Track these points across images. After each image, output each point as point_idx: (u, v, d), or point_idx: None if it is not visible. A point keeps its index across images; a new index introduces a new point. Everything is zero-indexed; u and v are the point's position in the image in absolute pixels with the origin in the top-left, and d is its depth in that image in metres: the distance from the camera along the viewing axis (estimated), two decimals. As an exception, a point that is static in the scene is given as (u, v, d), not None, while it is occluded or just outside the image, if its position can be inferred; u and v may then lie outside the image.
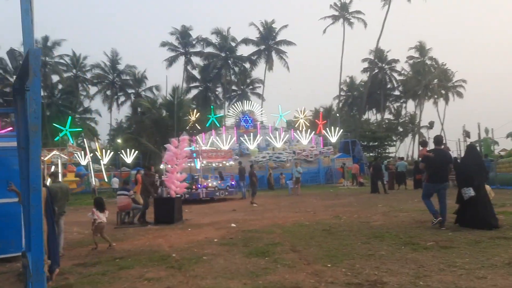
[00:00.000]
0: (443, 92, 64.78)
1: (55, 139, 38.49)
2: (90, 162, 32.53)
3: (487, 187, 9.08)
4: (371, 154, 49.60)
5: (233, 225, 11.27)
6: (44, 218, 5.22)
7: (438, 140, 9.49)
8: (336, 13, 58.68)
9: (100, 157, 33.49)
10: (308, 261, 6.63)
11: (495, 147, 23.69)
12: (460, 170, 9.10)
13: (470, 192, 8.52)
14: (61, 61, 56.35)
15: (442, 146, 9.95)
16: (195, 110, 41.69)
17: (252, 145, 34.35)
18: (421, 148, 11.58)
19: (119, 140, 41.78)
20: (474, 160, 9.04)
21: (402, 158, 28.45)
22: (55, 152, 32.38)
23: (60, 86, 54.80)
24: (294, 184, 22.94)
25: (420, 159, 10.96)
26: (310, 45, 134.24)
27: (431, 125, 27.27)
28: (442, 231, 8.54)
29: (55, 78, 54.93)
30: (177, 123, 33.04)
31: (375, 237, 8.36)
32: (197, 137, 34.63)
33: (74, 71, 59.49)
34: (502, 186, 20.58)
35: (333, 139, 34.91)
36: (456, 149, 27.41)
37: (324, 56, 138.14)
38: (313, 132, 38.84)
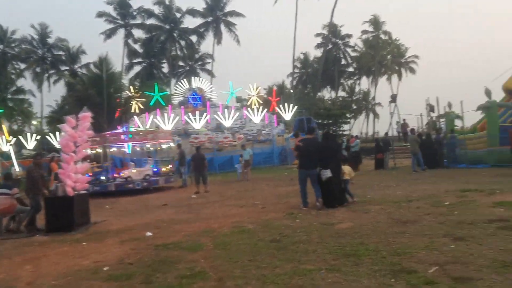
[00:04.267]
0: (396, 68, 63.77)
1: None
2: (12, 148, 28.20)
3: (347, 167, 10.21)
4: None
5: (148, 234, 8.19)
6: None
7: (310, 129, 10.87)
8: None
9: (7, 141, 28.81)
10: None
11: (462, 122, 21.77)
12: (322, 155, 9.66)
13: (327, 173, 9.38)
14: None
15: (314, 135, 10.81)
16: (136, 88, 37.74)
17: (198, 124, 31.08)
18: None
19: (34, 122, 37.21)
20: (333, 145, 10.44)
21: (356, 137, 26.31)
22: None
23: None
24: (243, 168, 20.07)
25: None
26: (261, 18, 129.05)
27: (393, 98, 25.23)
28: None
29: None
30: (108, 101, 28.97)
31: (346, 255, 5.60)
32: (136, 117, 30.87)
33: (1, 46, 53.29)
34: (472, 166, 18.70)
35: (287, 116, 32.33)
36: (417, 125, 25.54)
37: (277, 30, 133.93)
38: (266, 109, 36.03)
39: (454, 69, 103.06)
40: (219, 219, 9.48)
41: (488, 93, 20.15)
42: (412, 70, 64.50)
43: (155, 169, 18.87)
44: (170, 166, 19.64)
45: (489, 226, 6.57)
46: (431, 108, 23.35)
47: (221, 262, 5.79)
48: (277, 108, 35.32)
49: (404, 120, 30.41)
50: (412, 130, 22.47)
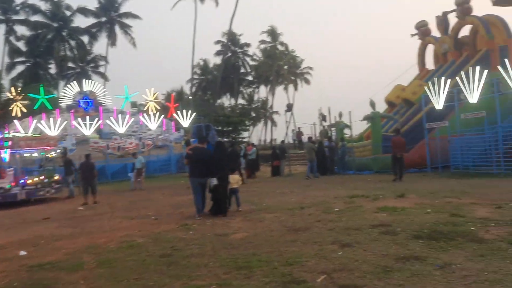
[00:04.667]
0: (292, 78, 66.55)
1: None
2: None
3: (235, 177, 10.54)
4: (225, 139, 47.97)
5: (22, 253, 7.28)
6: None
7: (201, 138, 10.93)
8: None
9: None
10: None
11: (350, 131, 23.26)
12: (211, 164, 9.86)
13: (213, 182, 9.66)
14: None
15: (205, 144, 10.85)
16: (18, 89, 34.22)
17: (89, 130, 29.12)
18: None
19: None
20: (220, 154, 10.33)
21: (253, 145, 26.80)
22: None
23: None
24: (135, 176, 19.14)
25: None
26: (161, 22, 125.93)
27: (289, 108, 26.09)
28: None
29: None
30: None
31: (238, 267, 5.44)
32: (17, 121, 27.96)
33: None
34: (359, 172, 20.01)
35: (185, 123, 31.79)
36: (311, 132, 26.77)
37: (176, 36, 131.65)
38: (163, 115, 35.05)
39: (345, 81, 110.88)
40: (106, 233, 8.80)
41: (372, 104, 21.79)
42: (307, 81, 67.87)
43: (21, 180, 16.85)
44: (57, 176, 17.96)
45: (373, 231, 6.91)
46: (323, 118, 24.63)
47: (103, 282, 5.28)
48: (175, 115, 34.57)
49: (299, 128, 31.75)
50: (310, 138, 23.51)
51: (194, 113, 34.72)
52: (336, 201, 10.53)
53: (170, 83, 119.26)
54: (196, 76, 63.56)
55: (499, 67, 15.99)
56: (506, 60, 16.24)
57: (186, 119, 32.53)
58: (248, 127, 60.18)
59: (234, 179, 10.36)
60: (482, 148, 16.88)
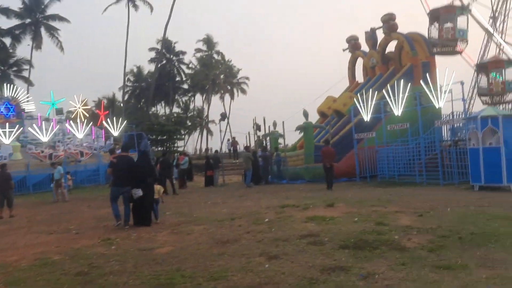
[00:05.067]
0: (228, 87, 66.66)
1: None
2: None
3: (157, 187, 10.28)
4: (160, 148, 46.84)
5: None
6: None
7: (124, 146, 10.73)
8: (120, -9, 52.88)
9: None
10: None
11: (284, 140, 23.57)
12: (135, 173, 9.66)
13: (138, 192, 9.37)
14: None
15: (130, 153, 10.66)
16: None
17: (8, 139, 27.03)
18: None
19: None
20: (145, 164, 10.08)
21: (185, 154, 26.34)
22: None
23: None
24: (55, 188, 17.92)
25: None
26: (92, 26, 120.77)
27: (223, 117, 25.98)
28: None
29: None
30: None
31: (160, 285, 5.15)
32: None
33: None
34: (292, 181, 20.24)
35: (116, 132, 30.52)
36: (246, 142, 26.76)
37: (109, 41, 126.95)
38: (91, 123, 33.47)
39: (281, 91, 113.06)
40: (19, 250, 8.05)
41: (305, 115, 22.21)
42: (243, 91, 68.29)
43: None
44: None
45: (301, 242, 6.87)
46: (257, 127, 24.73)
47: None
48: (104, 123, 33.16)
49: (234, 138, 31.67)
50: (247, 147, 23.48)
51: (126, 121, 33.51)
52: (267, 211, 10.46)
53: (103, 90, 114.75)
54: (129, 83, 61.71)
55: (422, 82, 16.93)
56: (428, 75, 17.27)
57: (116, 128, 31.25)
58: (183, 136, 59.32)
59: (156, 189, 10.18)
60: (406, 158, 17.74)
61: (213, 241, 7.51)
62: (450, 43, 25.61)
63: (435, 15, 26.61)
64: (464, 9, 26.92)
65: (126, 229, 9.28)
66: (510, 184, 12.89)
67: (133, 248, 7.41)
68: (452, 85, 15.57)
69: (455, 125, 17.61)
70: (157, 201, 10.21)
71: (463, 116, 16.66)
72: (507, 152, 12.93)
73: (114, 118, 31.35)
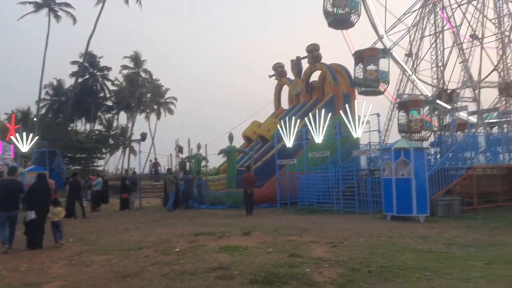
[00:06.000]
0: (155, 107, 65.09)
1: None
2: None
3: (58, 209, 10.08)
4: (77, 167, 44.12)
5: None
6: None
7: (10, 170, 10.45)
8: (40, 0, 49.93)
9: None
10: None
11: (206, 163, 23.06)
12: (29, 196, 9.62)
13: (31, 215, 9.29)
14: None
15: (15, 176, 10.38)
16: None
17: None
18: None
19: None
20: (41, 187, 9.85)
21: (98, 175, 24.90)
22: None
23: None
24: None
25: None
26: (7, 35, 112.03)
27: (143, 137, 24.87)
28: None
29: None
30: None
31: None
32: None
33: None
34: (213, 206, 19.70)
35: (24, 148, 28.07)
36: (168, 164, 25.78)
37: (26, 51, 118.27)
38: (-1, 137, 30.59)
39: (209, 114, 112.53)
40: None
41: (231, 138, 21.94)
42: (171, 111, 66.97)
43: None
44: None
45: (209, 276, 6.41)
46: (179, 149, 24.00)
47: None
48: (12, 137, 30.49)
49: (156, 159, 30.57)
50: (169, 170, 22.60)
51: (37, 137, 31.06)
52: (179, 240, 9.84)
53: (18, 102, 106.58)
54: (47, 97, 58.06)
55: (342, 112, 17.40)
56: (347, 106, 17.75)
57: (25, 143, 28.84)
58: (104, 155, 56.51)
59: (55, 212, 9.94)
60: (325, 186, 18.00)
61: (112, 274, 6.79)
62: (373, 84, 27.01)
63: (360, 56, 27.80)
64: (386, 52, 28.63)
65: (9, 252, 9.00)
66: (420, 215, 13.41)
67: (18, 283, 6.49)
68: (369, 116, 16.15)
69: (372, 155, 18.27)
70: (58, 224, 9.84)
71: (378, 146, 17.32)
72: (417, 183, 13.49)
73: (24, 133, 28.86)
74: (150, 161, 33.13)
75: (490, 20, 29.86)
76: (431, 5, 30.74)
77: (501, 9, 29.13)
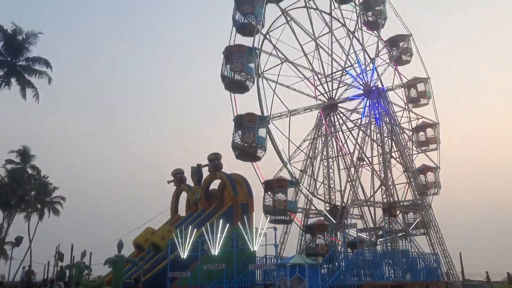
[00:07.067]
0: (39, 206, 59.47)
1: None
2: None
3: None
4: None
5: None
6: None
7: None
8: None
9: None
10: None
11: (89, 273, 20.77)
12: None
13: None
14: None
15: None
16: None
17: None
18: None
19: None
20: None
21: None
22: None
23: None
24: None
25: None
26: None
27: (18, 242, 21.96)
28: None
29: None
30: None
31: None
32: None
33: None
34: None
35: None
36: (44, 272, 22.76)
37: None
38: None
39: (100, 217, 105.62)
40: None
41: (120, 246, 20.21)
42: (56, 211, 61.46)
43: None
44: None
45: None
46: (59, 256, 21.47)
47: None
48: None
49: (29, 266, 26.93)
50: (45, 280, 19.83)
51: None
52: None
53: None
54: None
55: (239, 223, 17.21)
56: (245, 217, 17.72)
57: None
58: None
59: None
60: (219, 301, 16.97)
61: None
62: (282, 212, 27.56)
63: (270, 186, 27.87)
64: (294, 184, 28.92)
65: None
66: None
67: None
68: (266, 229, 16.13)
69: (267, 269, 17.93)
70: None
71: (274, 261, 17.09)
72: (312, 301, 13.26)
73: None
74: (23, 268, 29.07)
75: (374, 141, 33.19)
76: (323, 137, 34.03)
77: (382, 130, 32.88)
